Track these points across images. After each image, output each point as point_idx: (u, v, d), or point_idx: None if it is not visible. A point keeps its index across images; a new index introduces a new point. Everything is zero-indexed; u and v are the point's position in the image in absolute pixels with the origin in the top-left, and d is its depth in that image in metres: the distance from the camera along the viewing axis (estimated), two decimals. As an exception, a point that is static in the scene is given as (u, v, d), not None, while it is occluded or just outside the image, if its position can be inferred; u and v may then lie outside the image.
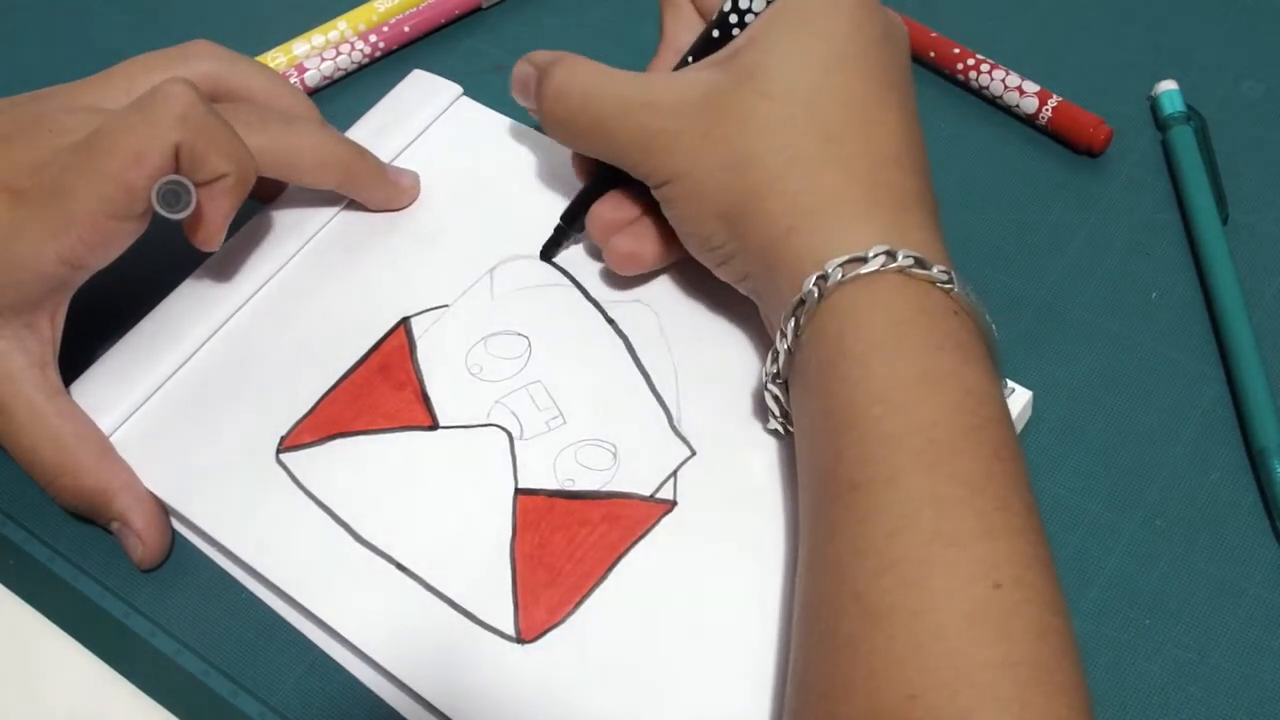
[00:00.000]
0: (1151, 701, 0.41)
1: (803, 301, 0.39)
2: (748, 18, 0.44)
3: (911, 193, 0.41)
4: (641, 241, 0.47)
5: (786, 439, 0.43)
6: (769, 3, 0.44)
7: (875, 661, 0.33)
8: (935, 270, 0.39)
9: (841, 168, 0.41)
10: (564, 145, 0.47)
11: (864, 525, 0.36)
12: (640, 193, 0.46)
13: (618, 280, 0.48)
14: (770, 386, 0.42)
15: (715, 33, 0.45)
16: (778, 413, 0.43)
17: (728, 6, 0.45)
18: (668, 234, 0.46)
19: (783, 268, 0.41)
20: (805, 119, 0.41)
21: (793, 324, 0.40)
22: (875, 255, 0.39)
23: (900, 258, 0.38)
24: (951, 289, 0.39)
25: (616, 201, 0.47)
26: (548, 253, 0.49)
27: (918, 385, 0.37)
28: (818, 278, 0.39)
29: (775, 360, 0.41)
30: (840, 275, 0.39)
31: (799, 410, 0.40)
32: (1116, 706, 0.41)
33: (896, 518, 0.35)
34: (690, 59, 0.46)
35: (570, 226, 0.49)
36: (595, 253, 0.49)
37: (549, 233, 0.49)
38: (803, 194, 0.41)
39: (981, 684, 0.33)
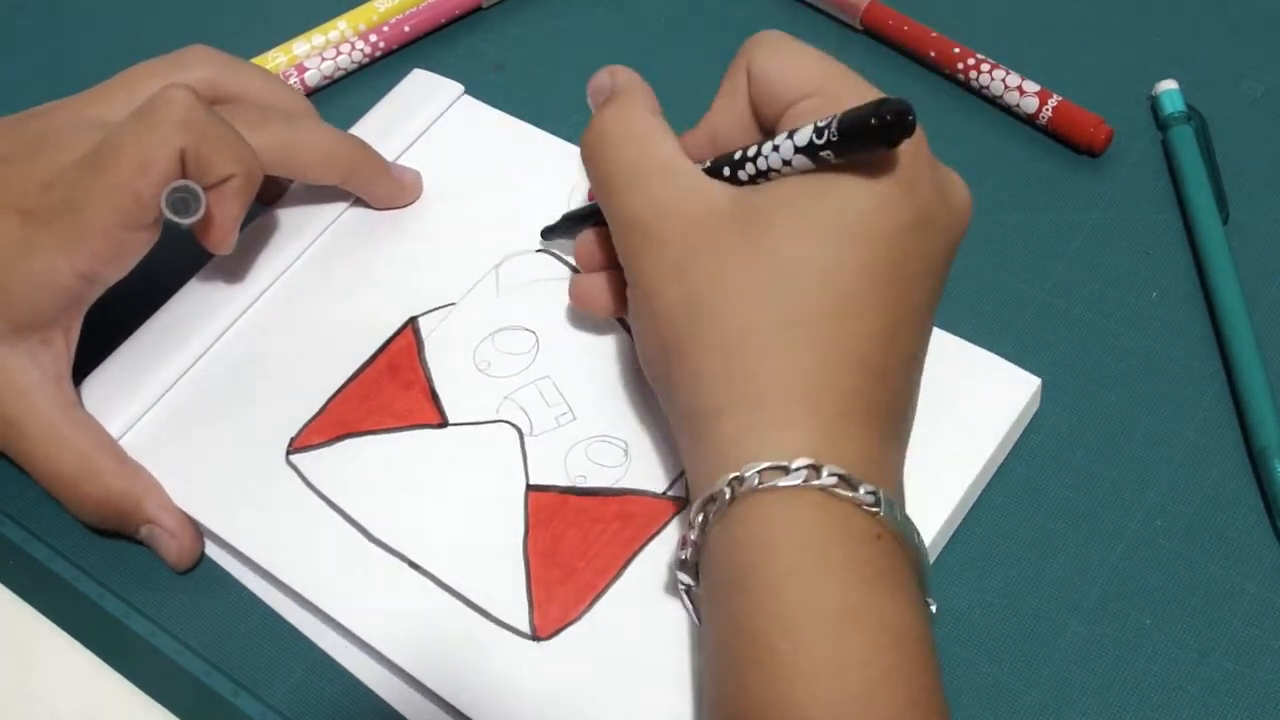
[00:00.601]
0: (1151, 701, 0.41)
1: (713, 498, 0.36)
2: (759, 179, 0.39)
3: (864, 400, 0.37)
4: (601, 291, 0.45)
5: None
6: (786, 165, 0.38)
7: None
8: (862, 491, 0.35)
9: (791, 361, 0.37)
10: None
11: None
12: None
13: None
14: (680, 574, 0.38)
15: (726, 170, 0.40)
16: (689, 602, 0.39)
17: (751, 152, 0.39)
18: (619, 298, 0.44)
19: (702, 448, 0.38)
20: (781, 292, 0.37)
21: (702, 518, 0.37)
22: (798, 468, 0.35)
23: (824, 474, 0.35)
24: (877, 512, 0.35)
25: (596, 241, 0.45)
26: (547, 234, 0.49)
27: (831, 621, 0.34)
28: (733, 478, 0.35)
29: (683, 546, 0.38)
30: (757, 482, 0.35)
31: (706, 614, 0.37)
32: (1116, 706, 0.41)
33: None
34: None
35: (555, 232, 0.48)
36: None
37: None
38: (741, 376, 0.37)
39: None
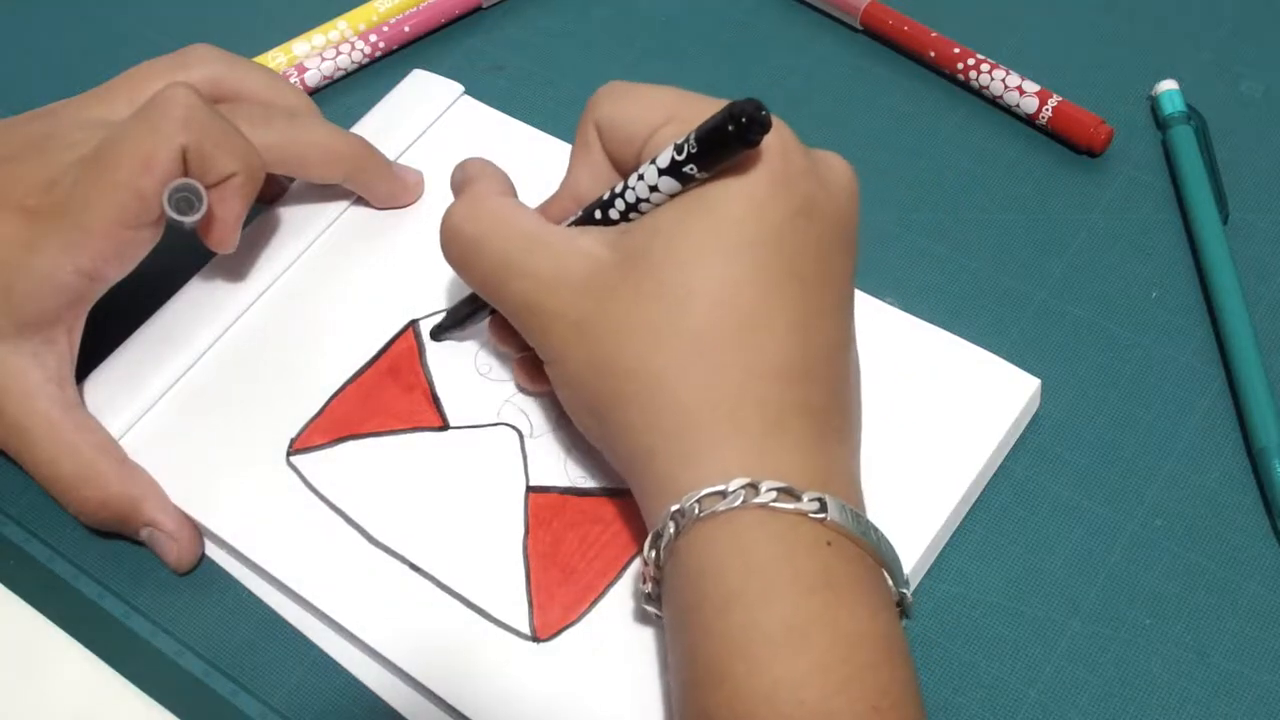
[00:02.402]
0: (1151, 701, 0.41)
1: (660, 534, 0.36)
2: (631, 214, 0.39)
3: (792, 407, 0.37)
4: (527, 373, 0.45)
5: None
6: (655, 191, 0.38)
7: None
8: (805, 500, 0.35)
9: (709, 386, 0.36)
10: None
11: None
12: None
13: None
14: (647, 607, 0.39)
15: (597, 213, 0.40)
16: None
17: (618, 189, 0.39)
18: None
19: (644, 490, 0.38)
20: (678, 325, 0.37)
21: (654, 555, 0.37)
22: (735, 489, 0.35)
23: (763, 491, 0.35)
24: (824, 518, 0.35)
25: (505, 331, 0.44)
26: (438, 334, 0.48)
27: (782, 640, 0.34)
28: (674, 511, 0.35)
29: (644, 582, 0.38)
30: (697, 510, 0.35)
31: (669, 641, 0.37)
32: (1117, 706, 0.41)
33: None
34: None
35: (463, 324, 0.47)
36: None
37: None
38: (665, 412, 0.37)
39: None
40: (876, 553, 0.36)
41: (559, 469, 0.44)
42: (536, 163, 0.52)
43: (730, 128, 0.35)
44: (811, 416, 0.37)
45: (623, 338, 0.37)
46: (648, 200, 0.38)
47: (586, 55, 0.59)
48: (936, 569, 0.43)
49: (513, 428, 0.45)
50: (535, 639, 0.41)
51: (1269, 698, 0.41)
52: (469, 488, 0.44)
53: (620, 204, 0.39)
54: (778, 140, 0.37)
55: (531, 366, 0.44)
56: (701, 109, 0.38)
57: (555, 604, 0.42)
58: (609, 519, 0.43)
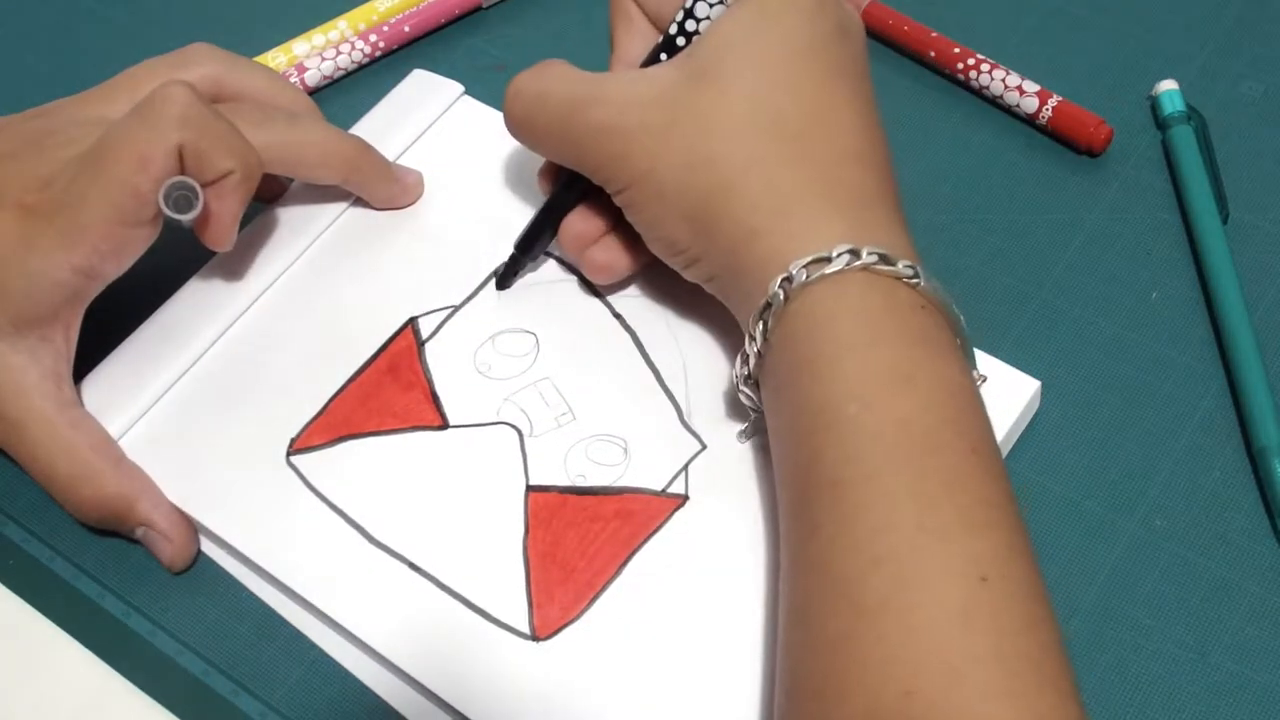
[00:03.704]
0: (1151, 701, 0.41)
1: (769, 304, 0.39)
2: (703, 25, 0.44)
3: (871, 189, 0.41)
4: (615, 252, 0.47)
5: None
6: (722, 4, 0.43)
7: (869, 660, 0.33)
8: (900, 265, 0.39)
9: (801, 167, 0.41)
10: (531, 150, 0.46)
11: (847, 523, 0.36)
12: (608, 203, 0.45)
13: None
14: (742, 388, 0.42)
15: (665, 53, 0.44)
16: (750, 413, 0.43)
17: (680, 16, 0.44)
18: (639, 241, 0.45)
19: (748, 271, 0.40)
20: (763, 118, 0.41)
21: (761, 326, 0.40)
22: (839, 254, 0.38)
23: (864, 255, 0.38)
24: (918, 284, 0.39)
25: (586, 215, 0.47)
26: (503, 283, 0.49)
27: (891, 381, 0.37)
28: (782, 280, 0.39)
29: (745, 363, 0.41)
30: (805, 276, 0.38)
31: (773, 411, 0.40)
32: (1117, 706, 0.41)
33: (879, 515, 0.35)
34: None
35: (526, 254, 0.48)
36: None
37: (552, 231, 0.49)
38: (764, 195, 0.40)
39: (976, 678, 0.33)
40: (959, 327, 0.40)
41: (559, 468, 0.44)
42: (536, 163, 0.52)
43: None
44: (886, 197, 0.41)
45: (715, 135, 0.41)
46: (707, 17, 0.43)
47: (587, 55, 0.59)
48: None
49: (512, 426, 0.45)
50: (535, 638, 0.41)
51: (1269, 698, 0.41)
52: (469, 487, 0.44)
53: (691, 24, 0.44)
54: None
55: (618, 244, 0.47)
56: None
57: (554, 603, 0.42)
58: (608, 517, 0.43)
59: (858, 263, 0.38)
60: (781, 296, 0.39)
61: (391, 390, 0.47)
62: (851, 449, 0.36)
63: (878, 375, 0.37)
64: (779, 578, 0.39)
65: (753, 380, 0.41)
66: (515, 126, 0.45)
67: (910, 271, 0.39)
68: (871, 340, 0.38)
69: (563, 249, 0.48)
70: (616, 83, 0.43)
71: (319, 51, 0.60)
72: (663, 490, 0.44)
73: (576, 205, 0.47)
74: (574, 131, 0.43)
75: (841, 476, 0.36)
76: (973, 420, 0.38)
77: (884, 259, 0.38)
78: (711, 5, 0.44)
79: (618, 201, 0.44)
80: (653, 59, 0.45)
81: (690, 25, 0.44)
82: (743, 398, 0.42)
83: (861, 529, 0.35)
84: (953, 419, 0.37)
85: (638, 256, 0.47)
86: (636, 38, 0.47)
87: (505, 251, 0.49)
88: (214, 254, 0.48)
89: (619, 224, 0.46)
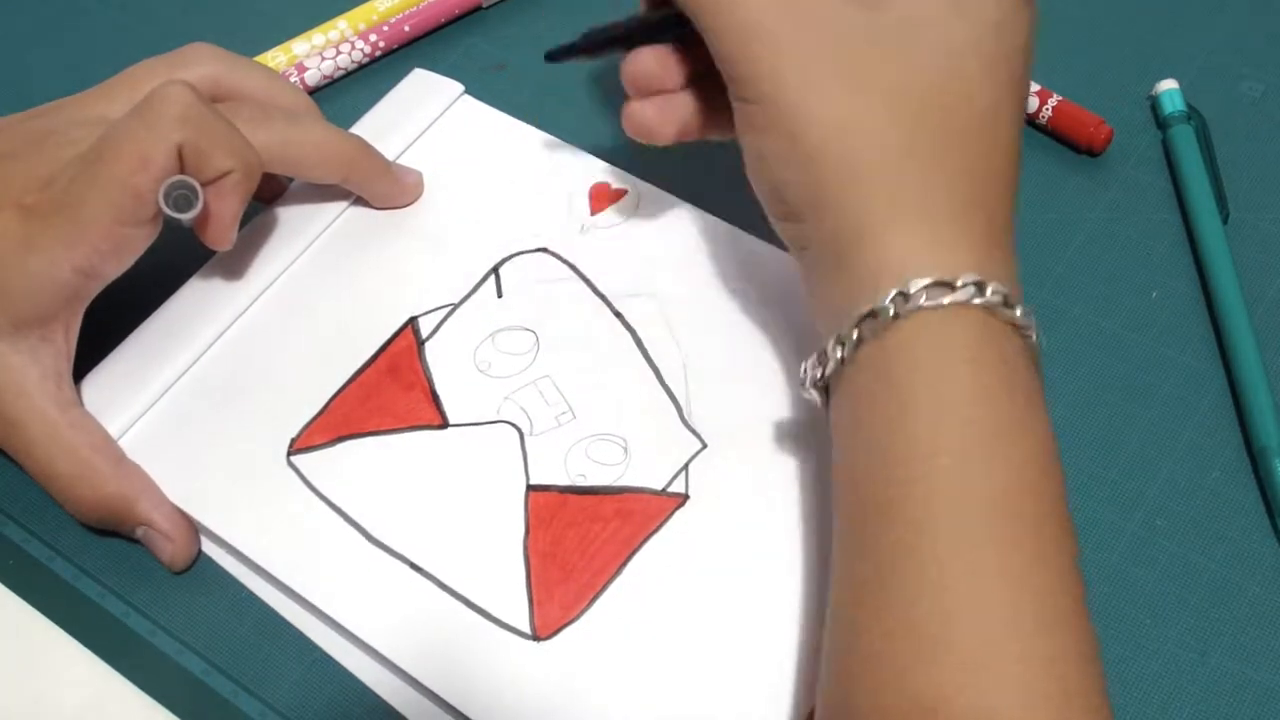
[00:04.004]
0: (1151, 701, 0.41)
1: (873, 314, 0.36)
2: None
3: (1003, 220, 0.38)
4: (669, 116, 0.43)
5: (801, 433, 0.42)
6: None
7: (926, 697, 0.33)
8: (1019, 313, 0.36)
9: (948, 179, 0.37)
10: None
11: (911, 604, 0.34)
12: (697, 58, 0.41)
13: (624, 274, 0.48)
14: (809, 389, 0.39)
15: None
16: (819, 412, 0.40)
17: None
18: (703, 114, 0.42)
19: (854, 266, 0.37)
20: (927, 111, 0.37)
21: (856, 334, 0.36)
22: (964, 285, 0.35)
23: (989, 293, 0.36)
24: (1031, 338, 0.37)
25: (664, 59, 0.42)
26: (552, 56, 0.46)
27: (991, 440, 0.35)
28: (897, 293, 0.36)
29: (821, 363, 0.38)
30: (923, 299, 0.35)
31: (846, 427, 0.38)
32: (1117, 707, 0.41)
33: (958, 578, 0.34)
34: None
35: (586, 50, 0.44)
36: (600, 248, 0.49)
37: (553, 230, 0.49)
38: (900, 193, 0.37)
39: None
40: (1042, 379, 0.38)
41: (559, 467, 0.44)
42: (536, 163, 0.52)
43: None
44: (1012, 231, 0.39)
45: (874, 96, 0.37)
46: None
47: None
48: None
49: (513, 426, 0.45)
50: (535, 638, 0.41)
51: (1269, 698, 0.41)
52: (469, 486, 0.44)
53: None
54: None
55: (679, 108, 0.43)
56: None
57: (554, 603, 0.42)
58: (608, 516, 0.43)
59: (979, 300, 0.35)
60: (891, 311, 0.36)
61: (392, 390, 0.47)
62: (938, 504, 0.34)
63: (979, 430, 0.35)
64: (830, 589, 0.37)
65: (824, 384, 0.38)
66: None
67: (1026, 321, 0.36)
68: (976, 389, 0.35)
69: (624, 78, 0.43)
70: None
71: (319, 51, 0.60)
72: (663, 489, 0.44)
73: (662, 41, 0.42)
74: (727, 5, 0.38)
75: (923, 527, 0.34)
76: (1053, 481, 0.36)
77: (1006, 300, 0.36)
78: None
79: (736, 109, 0.39)
80: None
81: None
82: (806, 396, 0.39)
83: (933, 585, 0.34)
84: (1042, 483, 0.35)
85: (689, 131, 0.43)
86: None
87: (505, 251, 0.49)
88: (214, 253, 0.48)
89: (691, 87, 0.42)
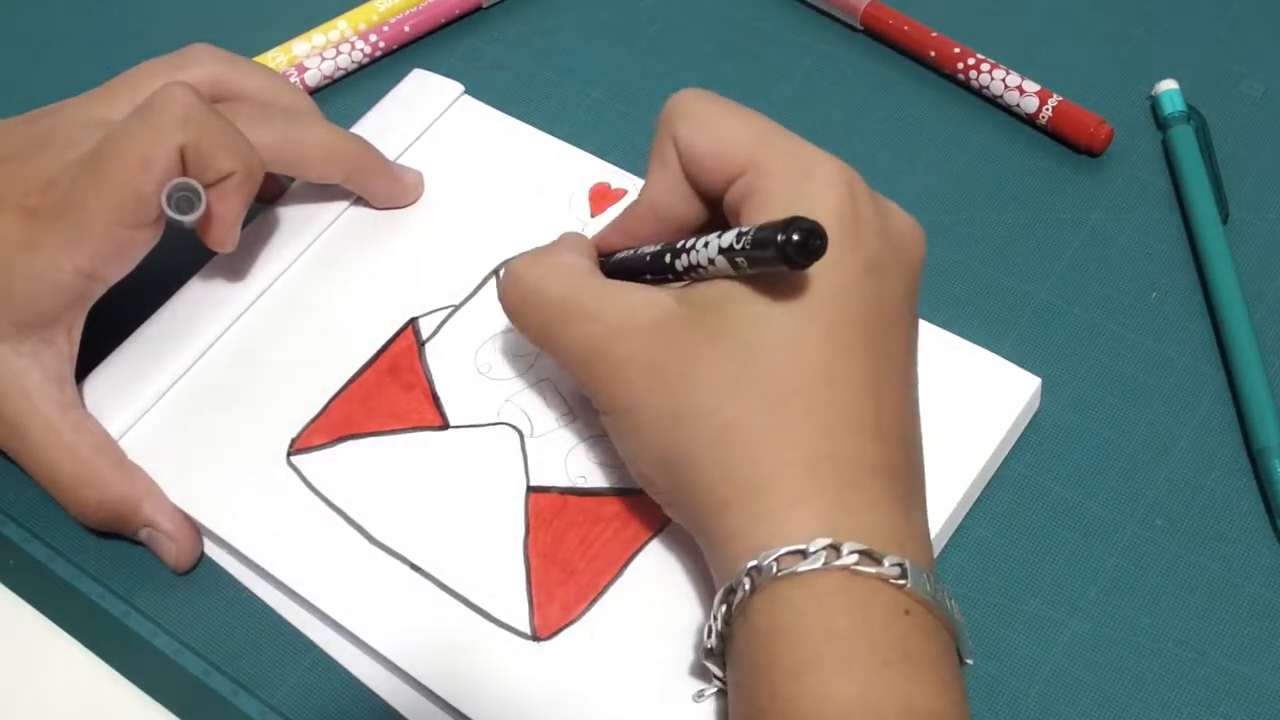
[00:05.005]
0: (1151, 701, 0.41)
1: (734, 589, 0.35)
2: (693, 271, 0.39)
3: (866, 463, 0.36)
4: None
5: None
6: (712, 263, 0.37)
7: None
8: (886, 565, 0.34)
9: (784, 440, 0.36)
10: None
11: None
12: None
13: None
14: (706, 662, 0.38)
15: (667, 257, 0.39)
16: (713, 687, 0.39)
17: (678, 244, 0.39)
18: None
19: (717, 545, 0.37)
20: (751, 379, 0.36)
21: (724, 609, 0.36)
22: (816, 550, 0.34)
23: (845, 553, 0.34)
24: (904, 585, 0.34)
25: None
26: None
27: (854, 711, 0.33)
28: (751, 568, 0.34)
29: (709, 636, 0.37)
30: (775, 570, 0.34)
31: (733, 702, 0.36)
32: (1117, 707, 0.41)
33: None
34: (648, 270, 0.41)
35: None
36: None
37: (553, 230, 0.49)
38: (740, 466, 0.36)
39: None
40: (950, 622, 0.35)
41: (559, 468, 0.44)
42: (536, 163, 0.52)
43: (779, 239, 0.34)
44: (886, 476, 0.36)
45: (699, 385, 0.37)
46: (705, 268, 0.38)
47: (587, 55, 0.59)
48: (937, 568, 0.43)
49: (513, 427, 0.45)
50: (535, 638, 0.41)
51: (1269, 698, 0.41)
52: (469, 487, 0.44)
53: (684, 259, 0.39)
54: (849, 195, 0.37)
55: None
56: (781, 154, 0.38)
57: (555, 604, 0.42)
58: (609, 518, 0.43)
59: (837, 562, 0.34)
60: (748, 586, 0.35)
61: (392, 390, 0.47)
62: None
63: (838, 704, 0.33)
64: None
65: (716, 655, 0.37)
66: (509, 312, 0.42)
67: (896, 571, 0.34)
68: (837, 659, 0.33)
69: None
70: (614, 300, 0.39)
71: (319, 51, 0.60)
72: None
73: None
74: (563, 340, 0.40)
75: None
76: None
77: (868, 556, 0.34)
78: (708, 260, 0.38)
79: (601, 419, 0.40)
80: (657, 260, 0.40)
81: (691, 256, 0.38)
82: (709, 668, 0.38)
83: None
84: None
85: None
86: (664, 186, 0.40)
87: (505, 252, 0.49)
88: (214, 254, 0.48)
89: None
